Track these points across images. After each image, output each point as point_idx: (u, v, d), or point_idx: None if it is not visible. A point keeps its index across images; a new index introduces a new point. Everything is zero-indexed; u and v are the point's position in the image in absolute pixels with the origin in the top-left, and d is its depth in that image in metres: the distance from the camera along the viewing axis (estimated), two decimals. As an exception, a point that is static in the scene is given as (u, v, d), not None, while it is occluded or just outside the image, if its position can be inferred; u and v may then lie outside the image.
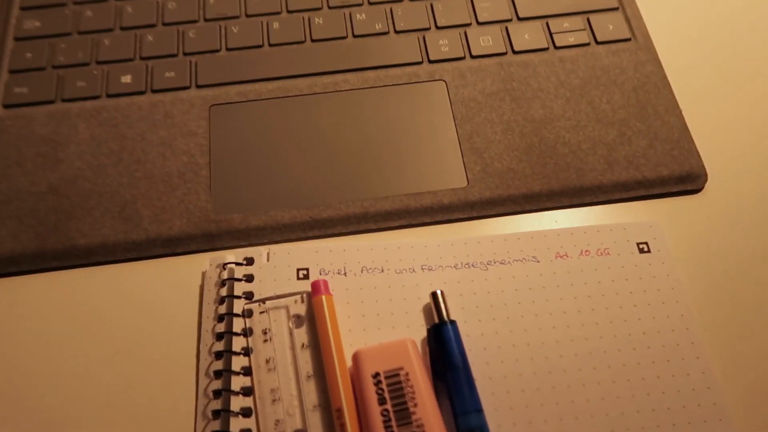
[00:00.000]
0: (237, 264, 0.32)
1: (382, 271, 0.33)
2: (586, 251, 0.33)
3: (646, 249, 0.34)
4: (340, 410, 0.28)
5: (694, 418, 0.29)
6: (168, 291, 0.33)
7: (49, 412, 0.30)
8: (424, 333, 0.31)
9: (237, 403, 0.29)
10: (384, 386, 0.28)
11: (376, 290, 0.32)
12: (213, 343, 0.31)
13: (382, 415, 0.27)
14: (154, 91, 0.39)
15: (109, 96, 0.39)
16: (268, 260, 0.33)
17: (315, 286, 0.31)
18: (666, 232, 0.34)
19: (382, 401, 0.27)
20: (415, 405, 0.27)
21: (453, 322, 0.30)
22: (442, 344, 0.29)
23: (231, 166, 0.36)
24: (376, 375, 0.28)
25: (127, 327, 0.32)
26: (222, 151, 0.37)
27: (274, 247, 0.33)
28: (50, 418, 0.30)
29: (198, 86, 0.39)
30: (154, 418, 0.30)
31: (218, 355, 0.31)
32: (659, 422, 0.29)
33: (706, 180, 0.36)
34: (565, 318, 0.31)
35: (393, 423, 0.27)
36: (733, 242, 0.35)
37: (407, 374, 0.28)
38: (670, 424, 0.29)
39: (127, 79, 0.39)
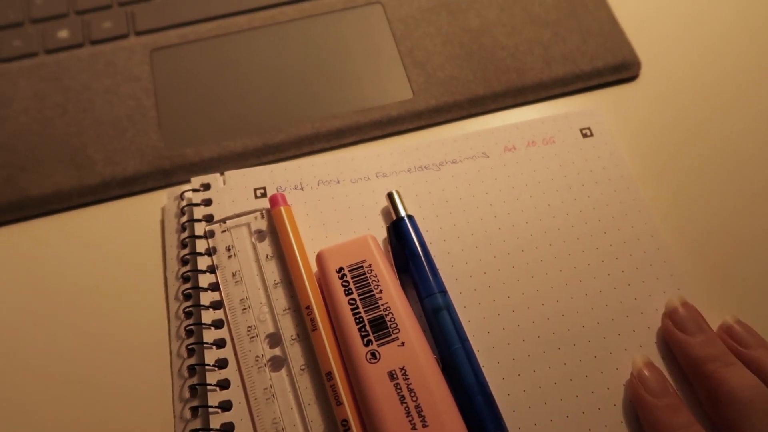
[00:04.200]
0: (194, 191, 0.33)
1: (338, 182, 0.33)
2: (533, 142, 0.35)
3: (588, 133, 0.35)
4: (309, 307, 0.28)
5: (647, 276, 0.30)
6: (129, 230, 0.34)
7: (19, 364, 0.30)
8: (385, 234, 0.32)
9: (208, 316, 0.29)
10: (349, 278, 0.28)
11: (334, 200, 0.33)
12: (179, 269, 0.31)
13: (350, 303, 0.28)
14: (93, 43, 0.39)
15: (47, 52, 0.39)
16: (224, 184, 0.33)
17: (273, 199, 0.31)
18: (607, 118, 0.36)
19: (348, 292, 0.28)
20: (381, 291, 0.28)
21: (410, 217, 0.31)
22: (402, 237, 0.30)
23: (179, 105, 0.36)
24: (340, 270, 0.29)
25: (92, 270, 0.32)
26: (168, 91, 0.37)
27: (229, 172, 0.33)
28: (22, 369, 0.30)
29: (137, 33, 0.39)
30: (129, 348, 0.30)
31: (185, 279, 0.31)
32: (615, 284, 0.30)
33: (639, 67, 0.38)
34: (519, 204, 0.33)
35: (360, 310, 0.27)
36: (669, 120, 0.36)
37: (370, 265, 0.29)
38: (626, 285, 0.30)
39: (63, 34, 0.39)
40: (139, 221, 0.34)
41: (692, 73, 0.38)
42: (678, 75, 0.38)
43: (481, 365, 0.28)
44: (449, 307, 0.29)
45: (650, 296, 0.30)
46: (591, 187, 0.33)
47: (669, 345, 0.28)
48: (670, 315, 0.28)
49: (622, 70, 0.37)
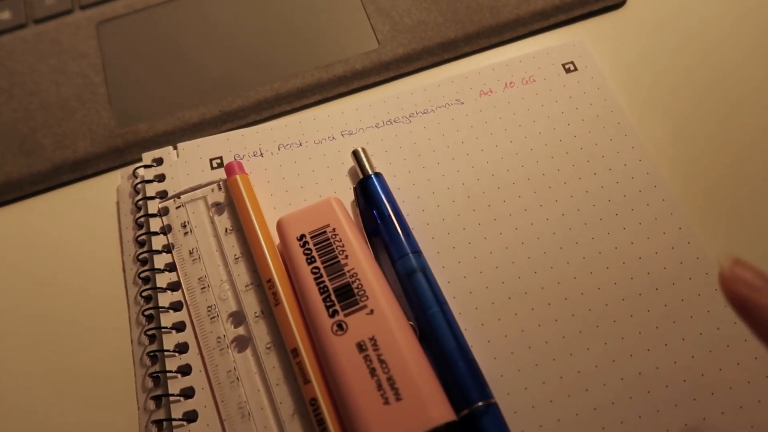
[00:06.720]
0: (146, 167, 0.30)
1: (300, 144, 0.31)
2: (511, 83, 0.31)
3: (572, 68, 0.32)
4: (270, 280, 0.26)
5: (644, 218, 0.27)
6: (85, 215, 0.31)
7: (-22, 356, 0.28)
8: (353, 197, 0.29)
9: (165, 299, 0.27)
10: (311, 246, 0.26)
11: (297, 164, 0.30)
12: (136, 251, 0.29)
13: (313, 273, 0.25)
14: (36, 22, 0.36)
15: (-11, 36, 0.36)
16: (178, 157, 0.31)
17: (228, 168, 0.29)
18: (592, 50, 0.32)
19: (311, 260, 0.25)
20: (346, 257, 0.25)
21: (378, 174, 0.28)
22: (369, 197, 0.28)
23: (129, 78, 0.34)
24: (302, 237, 0.26)
25: (49, 261, 0.30)
26: (117, 65, 0.34)
27: (182, 144, 0.31)
28: (-20, 360, 0.28)
29: (82, 7, 0.37)
30: (91, 339, 0.28)
31: (143, 261, 0.29)
32: (609, 229, 0.27)
33: (626, -8, 0.34)
34: (498, 151, 0.30)
35: (325, 278, 0.25)
36: (663, 50, 0.33)
37: (334, 230, 0.26)
38: (620, 228, 0.27)
39: (5, 15, 0.37)
40: (94, 205, 0.32)
41: (686, -6, 0.34)
42: (667, 1, 0.34)
43: (464, 329, 0.25)
44: (425, 269, 0.26)
45: (648, 239, 0.27)
46: (577, 125, 0.30)
47: (741, 315, 0.22)
48: (732, 279, 0.22)
49: (606, -3, 0.34)
